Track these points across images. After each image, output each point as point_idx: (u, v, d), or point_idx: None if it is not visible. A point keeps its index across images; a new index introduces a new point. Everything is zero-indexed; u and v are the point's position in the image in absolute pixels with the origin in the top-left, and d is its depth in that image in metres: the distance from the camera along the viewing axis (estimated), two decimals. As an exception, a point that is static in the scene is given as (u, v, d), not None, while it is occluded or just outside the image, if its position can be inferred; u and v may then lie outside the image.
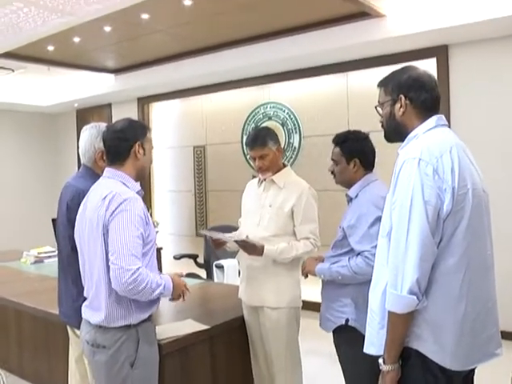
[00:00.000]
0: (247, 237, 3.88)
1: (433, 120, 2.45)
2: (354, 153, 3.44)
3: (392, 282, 2.26)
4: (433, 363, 2.26)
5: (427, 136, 2.40)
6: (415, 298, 2.20)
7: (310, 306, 5.82)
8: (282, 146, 8.07)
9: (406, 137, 2.48)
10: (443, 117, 2.51)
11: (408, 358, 2.32)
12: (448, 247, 2.25)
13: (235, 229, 4.35)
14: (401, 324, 2.27)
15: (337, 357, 3.53)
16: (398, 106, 2.49)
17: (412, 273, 2.19)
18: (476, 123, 6.53)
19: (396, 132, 2.55)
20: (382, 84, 2.61)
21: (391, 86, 2.53)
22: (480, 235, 2.35)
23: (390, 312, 2.28)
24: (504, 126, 6.35)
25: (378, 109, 2.64)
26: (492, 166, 6.24)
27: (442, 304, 2.26)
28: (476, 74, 6.57)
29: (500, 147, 6.37)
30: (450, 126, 6.48)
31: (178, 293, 3.10)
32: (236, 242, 3.87)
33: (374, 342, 2.44)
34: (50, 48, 7.42)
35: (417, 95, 2.46)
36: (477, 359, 2.35)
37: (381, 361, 2.36)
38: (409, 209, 2.22)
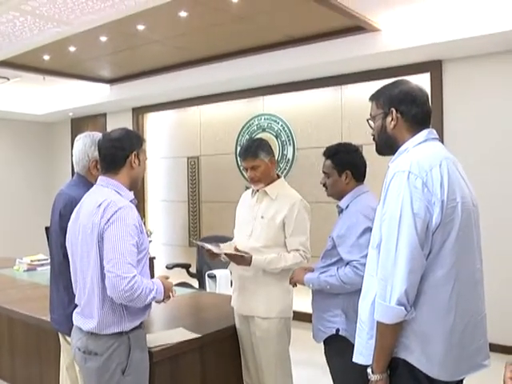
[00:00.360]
0: (235, 248, 3.92)
1: (423, 134, 2.48)
2: (346, 165, 3.46)
3: (381, 293, 2.27)
4: (420, 373, 2.28)
5: (417, 150, 2.42)
6: (403, 308, 2.22)
7: (301, 317, 5.83)
8: (276, 158, 8.12)
9: (396, 150, 2.50)
10: (434, 131, 2.54)
11: (396, 368, 2.33)
12: (437, 259, 2.27)
13: (228, 239, 4.36)
14: (389, 334, 2.29)
15: (327, 367, 3.55)
16: (389, 119, 2.52)
17: (400, 284, 2.21)
18: (469, 138, 6.57)
19: (387, 145, 2.57)
20: (374, 97, 2.63)
21: (383, 100, 2.56)
22: (469, 248, 2.37)
23: (378, 322, 2.30)
24: (497, 140, 6.40)
25: (370, 122, 2.66)
26: (485, 180, 6.28)
27: (430, 315, 2.28)
28: (469, 89, 6.61)
29: (493, 161, 6.41)
30: (443, 141, 6.54)
31: (167, 294, 3.11)
32: (226, 254, 3.91)
33: (363, 352, 2.46)
34: (46, 57, 7.44)
35: (408, 109, 2.48)
36: (465, 370, 2.37)
37: (369, 370, 2.37)
38: (398, 221, 2.25)
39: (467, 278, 2.35)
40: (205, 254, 4.16)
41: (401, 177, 2.29)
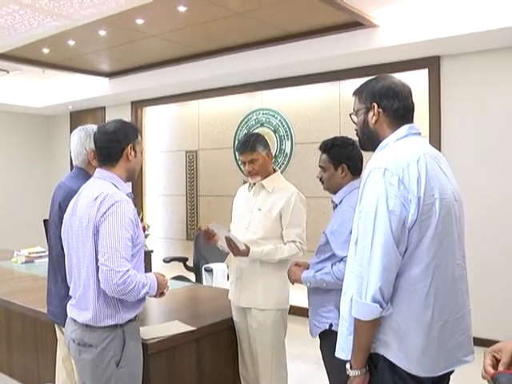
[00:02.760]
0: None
1: (404, 129, 2.46)
2: (342, 159, 3.46)
3: (357, 290, 2.28)
4: (400, 368, 2.28)
5: (397, 145, 2.41)
6: (378, 306, 2.22)
7: (298, 311, 5.85)
8: (274, 152, 8.17)
9: (378, 145, 2.50)
10: (415, 125, 2.52)
11: (377, 363, 2.34)
12: (414, 256, 2.27)
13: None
14: (366, 331, 2.29)
15: (323, 362, 3.57)
16: (371, 114, 2.51)
17: (375, 281, 2.21)
18: (467, 133, 6.59)
19: (369, 140, 2.57)
20: (357, 92, 2.62)
21: (365, 94, 2.54)
22: (448, 245, 2.35)
23: (355, 319, 2.30)
24: (494, 137, 6.41)
25: (353, 117, 2.65)
26: (483, 176, 6.32)
27: (407, 312, 2.28)
28: (467, 86, 6.62)
29: (491, 157, 6.43)
30: (440, 136, 6.51)
31: (161, 291, 3.14)
32: (226, 237, 3.93)
33: (344, 347, 2.45)
34: (45, 50, 7.45)
35: (390, 104, 2.47)
36: (443, 366, 2.35)
37: (348, 366, 2.38)
38: (373, 218, 2.24)
39: (446, 274, 2.33)
40: (202, 235, 4.15)
41: (377, 173, 2.28)
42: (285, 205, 3.93)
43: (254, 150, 4.00)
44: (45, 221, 7.39)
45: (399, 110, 2.48)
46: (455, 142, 6.59)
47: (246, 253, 3.87)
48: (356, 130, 2.66)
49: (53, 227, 3.59)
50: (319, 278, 3.37)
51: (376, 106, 2.49)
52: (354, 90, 2.66)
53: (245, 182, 4.29)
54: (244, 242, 3.93)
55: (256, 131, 8.32)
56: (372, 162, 2.39)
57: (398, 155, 2.32)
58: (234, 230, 4.22)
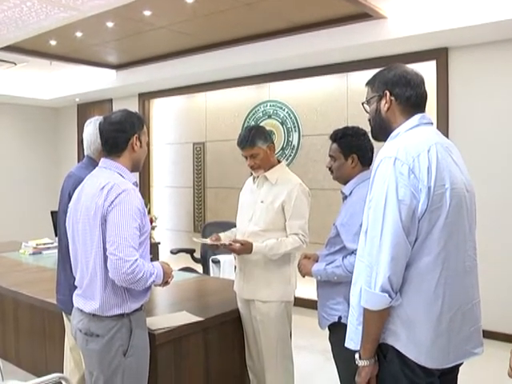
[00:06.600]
0: (233, 239, 3.98)
1: (416, 118, 2.46)
2: (352, 148, 3.44)
3: (366, 279, 2.28)
4: (409, 358, 2.28)
5: (408, 135, 2.41)
6: (387, 295, 2.22)
7: (305, 304, 5.86)
8: (282, 144, 8.16)
9: (390, 134, 2.49)
10: (427, 115, 2.51)
11: (385, 353, 2.34)
12: (423, 246, 2.26)
13: (233, 225, 4.39)
14: (375, 320, 2.29)
15: (330, 354, 3.56)
16: (383, 102, 2.50)
17: (384, 271, 2.21)
18: (475, 125, 6.58)
19: (381, 128, 2.56)
20: (370, 82, 2.62)
21: (377, 83, 2.55)
22: (459, 235, 2.34)
23: (364, 308, 2.30)
24: (503, 128, 6.40)
25: (365, 106, 2.65)
26: (491, 168, 6.30)
27: (416, 302, 2.28)
28: (475, 77, 6.60)
29: (499, 148, 6.42)
30: (448, 128, 6.48)
31: (166, 279, 3.15)
32: (224, 245, 3.97)
33: (353, 337, 2.45)
34: (53, 42, 7.47)
35: (402, 91, 2.46)
36: (453, 358, 2.35)
37: (357, 356, 2.38)
38: (383, 208, 2.24)
39: (456, 265, 2.33)
40: (208, 247, 4.20)
41: (387, 163, 2.28)
42: (287, 197, 3.92)
43: (253, 145, 3.97)
44: (52, 212, 7.41)
45: (411, 97, 2.48)
46: (463, 132, 6.56)
47: (249, 249, 3.87)
48: (369, 120, 2.65)
49: (62, 217, 3.58)
50: (330, 271, 3.35)
51: (388, 94, 2.49)
52: (366, 81, 2.66)
53: (251, 174, 4.28)
54: (247, 234, 3.97)
55: (260, 124, 8.37)
56: (383, 151, 2.38)
57: (409, 144, 2.32)
58: (238, 221, 4.24)
